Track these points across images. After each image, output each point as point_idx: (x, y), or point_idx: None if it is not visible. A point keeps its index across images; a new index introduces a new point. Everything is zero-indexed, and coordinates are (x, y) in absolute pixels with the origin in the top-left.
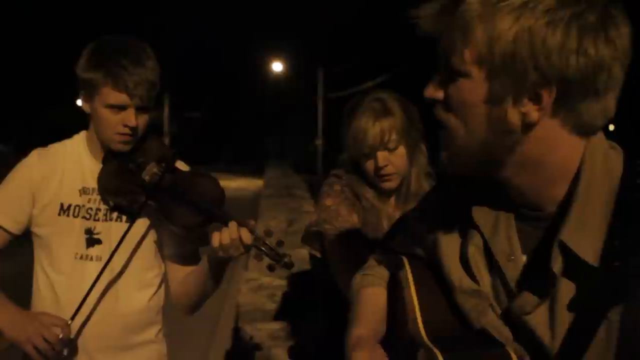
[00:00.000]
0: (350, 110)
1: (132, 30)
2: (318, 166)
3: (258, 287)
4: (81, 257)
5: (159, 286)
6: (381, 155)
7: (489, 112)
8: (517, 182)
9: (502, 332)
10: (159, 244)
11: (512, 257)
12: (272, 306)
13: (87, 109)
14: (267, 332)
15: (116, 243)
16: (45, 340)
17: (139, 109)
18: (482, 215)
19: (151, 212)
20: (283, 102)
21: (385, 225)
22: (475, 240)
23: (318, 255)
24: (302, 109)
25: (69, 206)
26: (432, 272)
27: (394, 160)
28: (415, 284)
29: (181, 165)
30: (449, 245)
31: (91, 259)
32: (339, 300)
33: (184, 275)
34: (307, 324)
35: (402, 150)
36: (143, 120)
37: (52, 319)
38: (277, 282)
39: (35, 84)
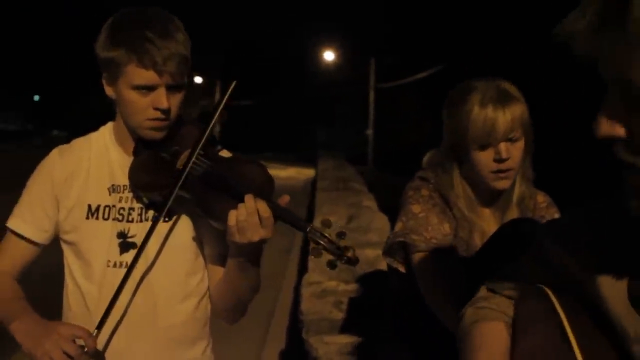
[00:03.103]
0: (459, 98)
1: (180, 17)
2: (368, 157)
3: (322, 293)
4: (114, 265)
5: (205, 294)
6: (504, 146)
7: None
8: None
9: None
10: (201, 245)
11: None
12: (339, 316)
13: (111, 93)
14: (336, 346)
15: (155, 246)
16: (66, 353)
17: (171, 88)
18: None
19: (190, 207)
20: (334, 92)
21: (478, 241)
22: None
23: (401, 269)
24: (354, 98)
25: (98, 207)
26: (584, 308)
27: (514, 153)
28: (570, 323)
29: (222, 152)
30: (613, 284)
31: (126, 265)
32: (425, 327)
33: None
34: (381, 338)
35: (522, 143)
36: (176, 100)
37: (72, 329)
38: (342, 287)
39: (88, 68)
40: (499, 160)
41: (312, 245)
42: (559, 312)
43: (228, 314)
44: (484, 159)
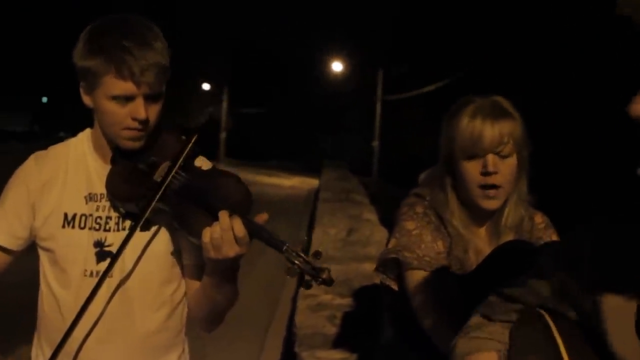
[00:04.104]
0: (455, 111)
1: (189, 25)
2: (373, 168)
3: (317, 306)
4: (91, 274)
5: (180, 302)
6: (492, 158)
7: None
8: None
9: None
10: (178, 254)
11: None
12: (332, 330)
13: (88, 102)
14: None
15: (131, 255)
16: None
17: (149, 98)
18: None
19: (167, 219)
20: (341, 102)
21: (473, 260)
22: None
23: (394, 287)
24: (360, 109)
25: (74, 216)
26: (584, 334)
27: (503, 169)
28: (567, 351)
29: (203, 163)
30: (617, 310)
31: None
32: (418, 346)
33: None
34: (375, 353)
35: (514, 160)
36: (154, 111)
37: None
38: (338, 301)
39: None
40: (485, 173)
41: (288, 265)
42: (556, 338)
43: (203, 323)
44: (471, 170)
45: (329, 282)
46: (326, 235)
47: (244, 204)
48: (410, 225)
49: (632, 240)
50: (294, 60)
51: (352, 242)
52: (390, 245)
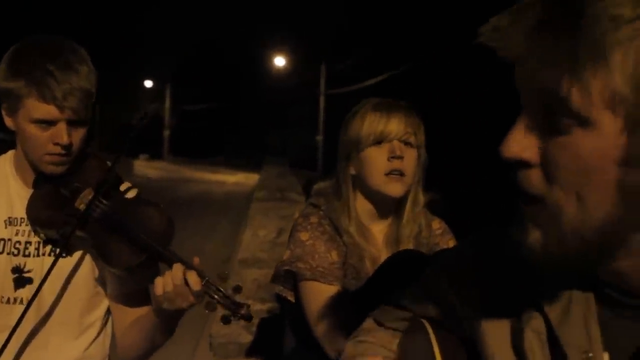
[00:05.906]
0: (357, 109)
1: (131, 23)
2: (318, 163)
3: None
4: (7, 301)
5: (101, 331)
6: (398, 144)
7: (622, 180)
8: (625, 264)
9: None
10: (101, 282)
11: (590, 355)
12: (248, 338)
13: (10, 124)
14: None
15: (51, 282)
16: None
17: (73, 124)
18: (548, 294)
19: (87, 246)
20: (285, 97)
21: (370, 268)
22: (535, 325)
23: (290, 298)
24: (304, 104)
25: None
26: (465, 349)
27: (408, 156)
28: None
29: (128, 189)
30: (495, 325)
31: (21, 302)
32: (318, 355)
33: (131, 320)
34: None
35: (416, 154)
36: (78, 135)
37: None
38: (258, 307)
39: None
40: (392, 157)
41: (207, 298)
42: (435, 351)
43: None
44: (378, 155)
45: (247, 318)
46: (255, 237)
47: (165, 235)
48: (304, 236)
49: (508, 253)
50: (237, 56)
51: (280, 244)
52: (285, 257)
